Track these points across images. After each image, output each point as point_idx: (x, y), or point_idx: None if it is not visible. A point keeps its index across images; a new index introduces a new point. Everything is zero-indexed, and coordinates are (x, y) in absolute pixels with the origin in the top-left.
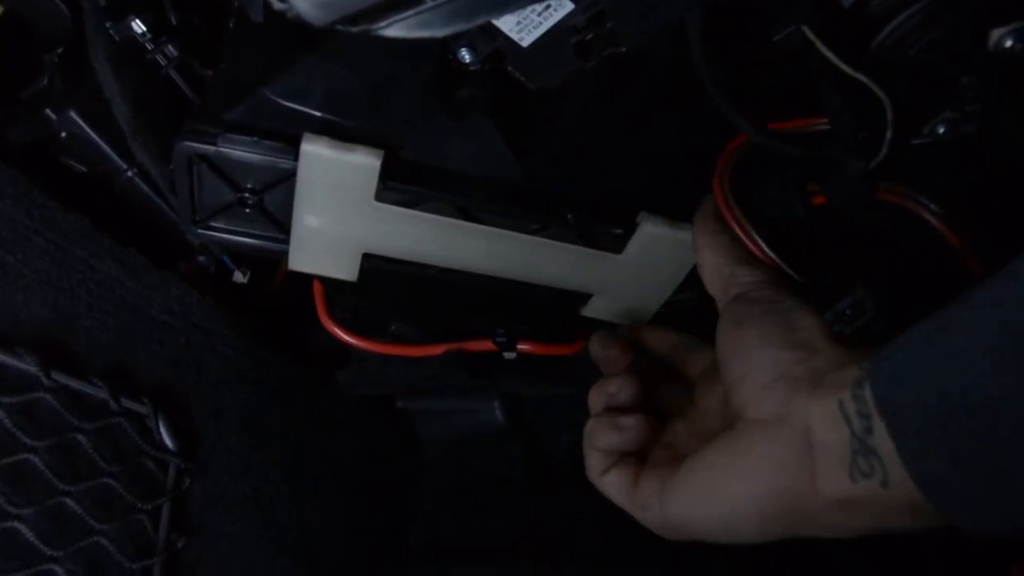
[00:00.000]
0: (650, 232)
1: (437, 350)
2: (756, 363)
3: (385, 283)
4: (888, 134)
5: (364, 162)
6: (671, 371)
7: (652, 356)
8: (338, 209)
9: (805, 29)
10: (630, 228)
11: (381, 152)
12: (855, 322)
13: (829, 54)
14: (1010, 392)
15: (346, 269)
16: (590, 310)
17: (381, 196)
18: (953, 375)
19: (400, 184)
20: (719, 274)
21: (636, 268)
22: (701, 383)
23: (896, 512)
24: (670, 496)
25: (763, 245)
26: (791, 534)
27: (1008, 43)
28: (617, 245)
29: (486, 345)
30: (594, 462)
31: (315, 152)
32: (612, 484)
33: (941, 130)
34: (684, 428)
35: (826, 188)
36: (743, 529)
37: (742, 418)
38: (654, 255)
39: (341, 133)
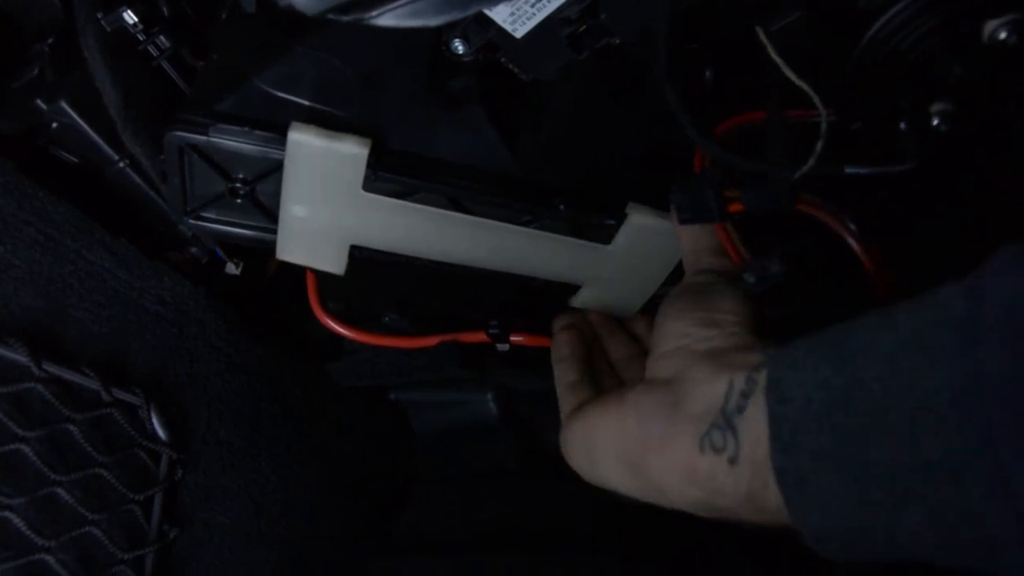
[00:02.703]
0: (639, 222)
1: (430, 342)
2: (668, 333)
3: (375, 275)
4: (819, 145)
5: (352, 151)
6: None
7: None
8: (325, 199)
9: (758, 31)
10: (620, 218)
11: (369, 141)
12: (764, 273)
13: (778, 59)
14: (894, 398)
15: (334, 261)
16: (579, 301)
17: (369, 186)
18: (844, 371)
19: (388, 174)
20: (688, 257)
21: (625, 258)
22: (643, 335)
23: (731, 494)
24: (571, 422)
25: (734, 237)
26: (646, 494)
27: (1002, 35)
28: (607, 236)
29: (479, 337)
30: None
31: (303, 140)
32: (561, 398)
33: (935, 122)
34: (624, 372)
35: (747, 194)
36: (605, 472)
37: (644, 380)
38: (643, 245)
39: (333, 123)
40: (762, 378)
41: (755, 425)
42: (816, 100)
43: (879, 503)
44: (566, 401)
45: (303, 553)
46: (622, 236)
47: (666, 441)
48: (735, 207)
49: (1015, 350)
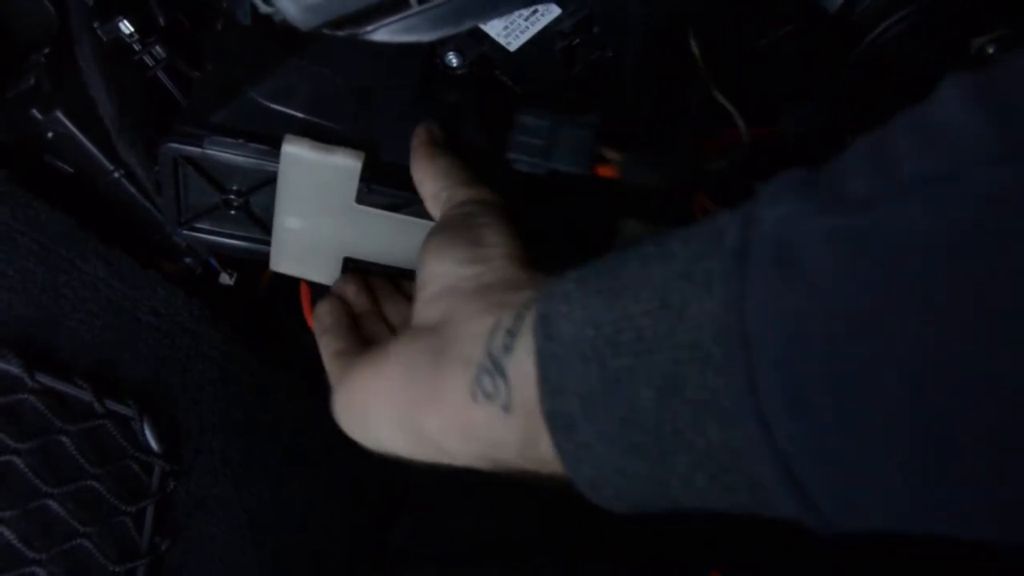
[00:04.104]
0: (631, 236)
1: None
2: (432, 274)
3: None
4: (738, 153)
5: (345, 164)
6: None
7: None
8: (318, 211)
9: (692, 43)
10: (613, 232)
11: (362, 154)
12: None
13: (708, 77)
14: (662, 336)
15: (326, 273)
16: None
17: (362, 199)
18: (614, 306)
19: (382, 187)
20: (438, 199)
21: None
22: None
23: (508, 446)
24: (340, 387)
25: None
26: (429, 455)
27: (990, 50)
28: (602, 249)
29: None
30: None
31: (296, 153)
32: (326, 359)
33: None
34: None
35: (629, 160)
36: (380, 435)
37: (409, 326)
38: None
39: (327, 136)
40: (531, 314)
41: (524, 366)
42: (738, 119)
43: (648, 449)
44: (334, 370)
45: (297, 563)
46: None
47: (436, 393)
48: (606, 171)
49: (780, 283)
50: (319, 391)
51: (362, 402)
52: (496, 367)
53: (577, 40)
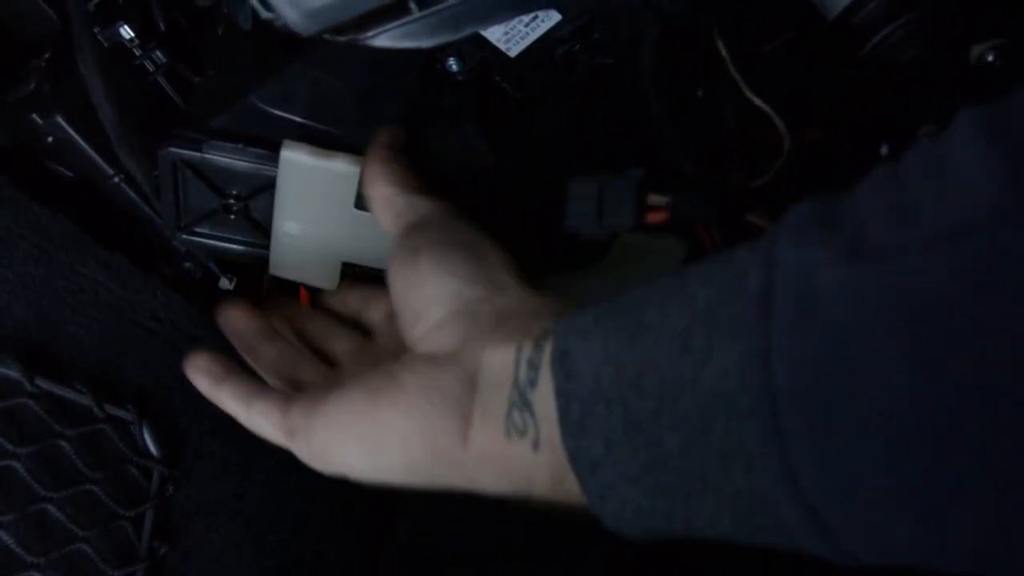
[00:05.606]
0: (628, 242)
1: None
2: (433, 297)
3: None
4: (779, 163)
5: (344, 169)
6: (355, 326)
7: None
8: (317, 217)
9: (719, 44)
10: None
11: (361, 159)
12: None
13: (739, 80)
14: (686, 381)
15: (326, 278)
16: None
17: (360, 204)
18: (636, 350)
19: None
20: (391, 204)
21: (613, 276)
22: (380, 325)
23: (540, 482)
24: (317, 419)
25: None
26: (435, 484)
27: (989, 58)
28: (599, 254)
29: None
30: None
31: (294, 159)
32: (259, 415)
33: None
34: (353, 363)
35: (679, 200)
36: (386, 464)
37: (412, 352)
38: (633, 263)
39: (327, 141)
40: (549, 346)
41: (548, 401)
42: (777, 121)
43: (674, 491)
44: (292, 414)
45: (296, 567)
46: (612, 254)
47: (470, 427)
48: (656, 216)
49: (802, 331)
50: None
51: (372, 439)
52: (524, 402)
53: (577, 46)
